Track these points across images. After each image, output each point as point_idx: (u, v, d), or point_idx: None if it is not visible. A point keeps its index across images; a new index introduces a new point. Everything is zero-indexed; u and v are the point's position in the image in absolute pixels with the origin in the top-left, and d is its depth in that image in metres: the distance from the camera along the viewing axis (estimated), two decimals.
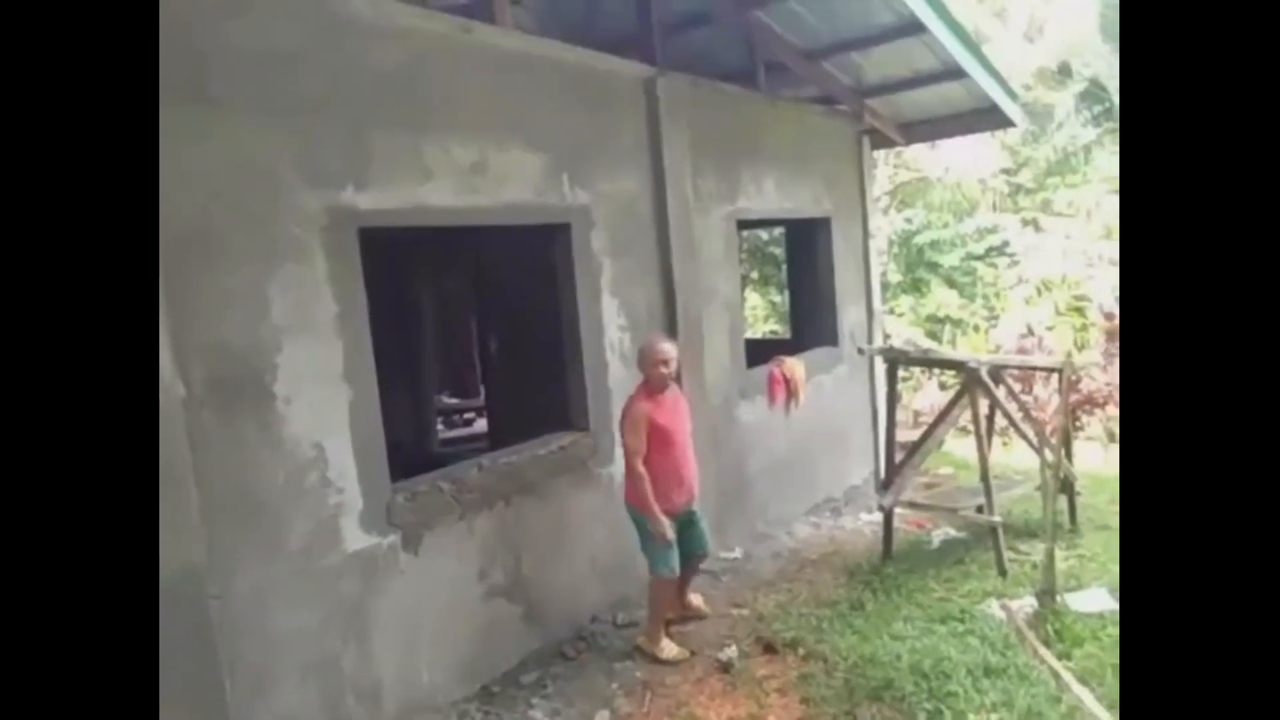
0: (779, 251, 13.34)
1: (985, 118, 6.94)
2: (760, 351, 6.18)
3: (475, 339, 10.75)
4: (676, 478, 3.80)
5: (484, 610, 3.80)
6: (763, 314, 13.56)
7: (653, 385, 3.79)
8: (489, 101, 3.80)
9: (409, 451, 5.22)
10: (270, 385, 2.97)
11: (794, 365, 6.02)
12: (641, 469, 3.69)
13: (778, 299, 13.75)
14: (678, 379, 3.96)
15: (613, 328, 4.52)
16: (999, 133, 10.81)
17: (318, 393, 3.11)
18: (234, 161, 2.86)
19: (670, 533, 3.73)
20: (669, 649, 3.89)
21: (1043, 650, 3.55)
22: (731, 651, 3.83)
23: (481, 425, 9.08)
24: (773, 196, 5.91)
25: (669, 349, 3.80)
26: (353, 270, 3.22)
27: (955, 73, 6.10)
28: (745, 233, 10.24)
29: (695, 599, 4.35)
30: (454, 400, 10.09)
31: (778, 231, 12.09)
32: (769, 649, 3.87)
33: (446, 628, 3.60)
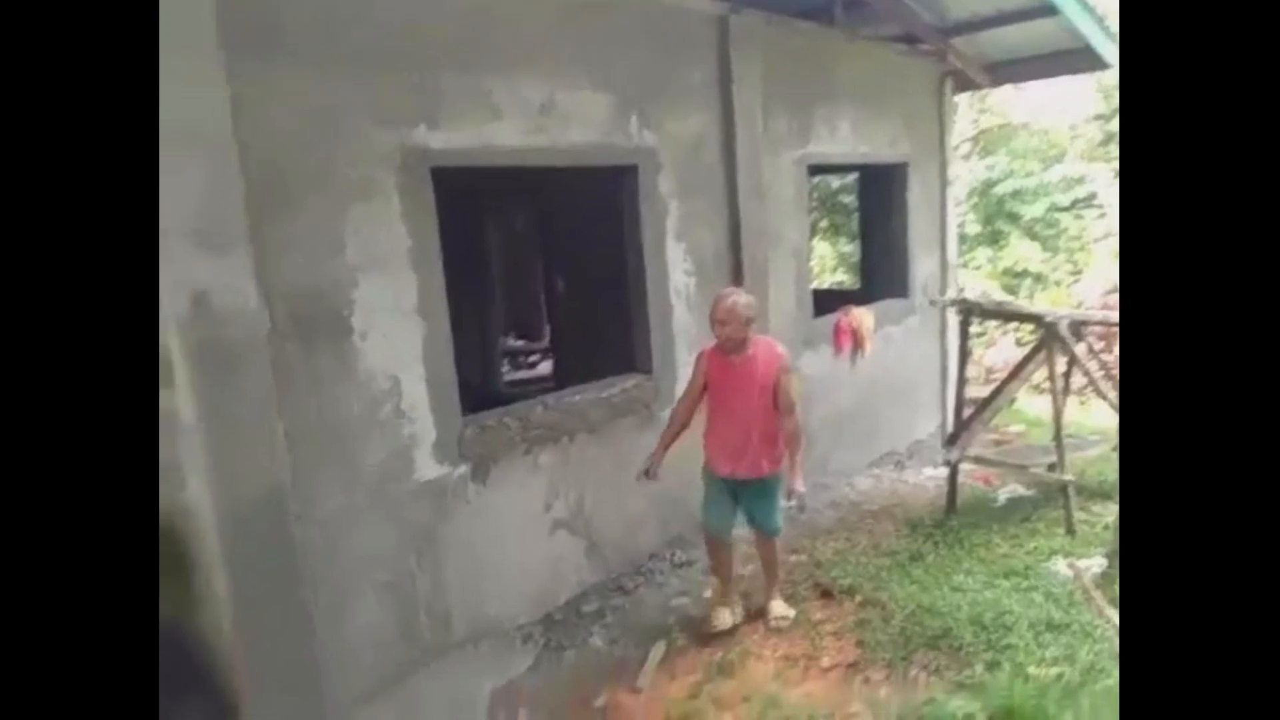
0: (849, 200, 12.96)
1: (1078, 58, 6.49)
2: (827, 301, 6.08)
3: (541, 282, 10.90)
4: (721, 442, 3.53)
5: (548, 542, 3.93)
6: (830, 264, 13.27)
7: (720, 342, 3.45)
8: (559, 40, 3.76)
9: (476, 390, 5.36)
10: (348, 319, 3.09)
11: (862, 315, 5.91)
12: (674, 411, 3.71)
13: (846, 249, 13.42)
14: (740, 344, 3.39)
15: (678, 272, 4.50)
16: (1092, 75, 10.13)
17: (392, 327, 3.22)
18: (311, 105, 2.92)
19: (650, 468, 3.57)
20: (715, 618, 3.63)
21: (1109, 610, 3.48)
22: (786, 596, 3.88)
23: (545, 368, 9.26)
24: (847, 140, 5.72)
25: (728, 306, 3.33)
26: (425, 208, 3.28)
27: (1046, 9, 5.72)
28: (815, 179, 9.96)
29: (776, 605, 3.72)
30: (519, 342, 10.28)
31: (849, 179, 11.73)
32: (825, 594, 3.90)
33: (512, 556, 3.75)
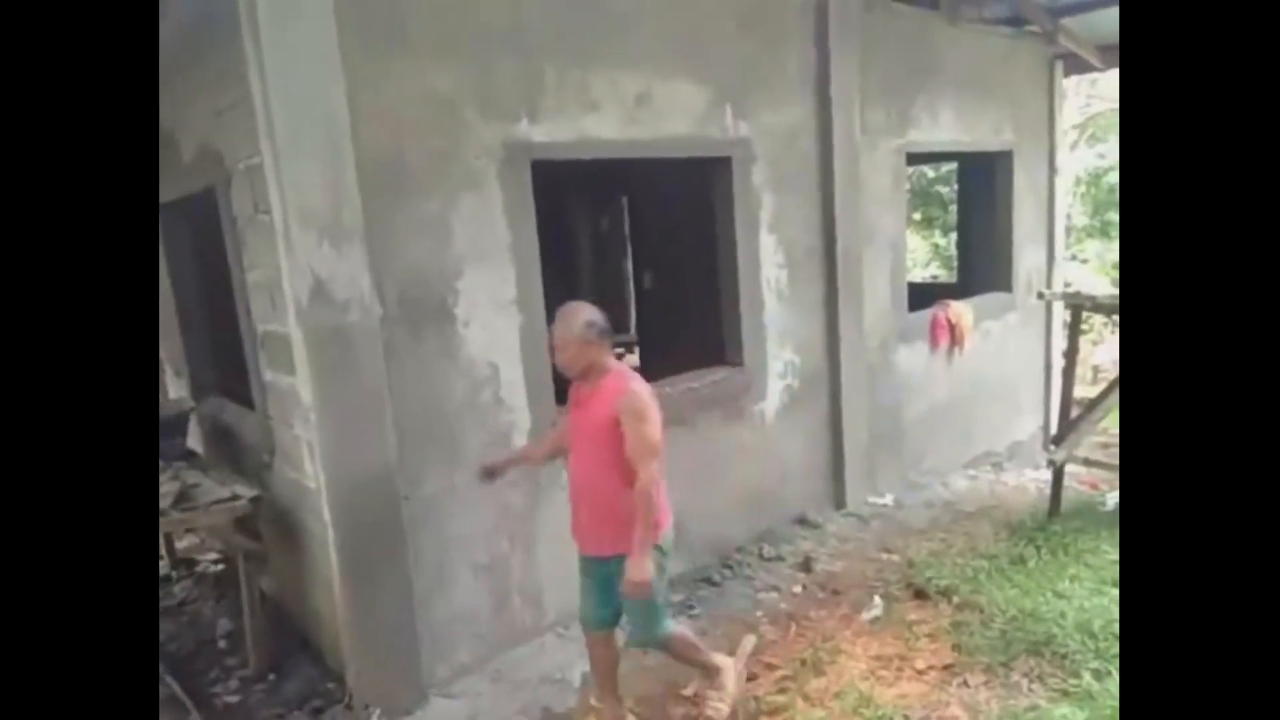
0: (945, 191, 12.49)
1: None
2: (923, 295, 5.89)
3: (626, 276, 10.99)
4: (571, 504, 2.80)
5: None
6: (923, 258, 12.84)
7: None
8: (657, 31, 3.78)
9: (564, 380, 5.45)
10: (452, 308, 3.21)
11: (960, 310, 5.70)
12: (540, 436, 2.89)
13: (941, 241, 12.96)
14: (578, 371, 2.64)
15: (770, 265, 4.46)
16: None
17: (492, 317, 3.32)
18: (422, 97, 3.04)
19: (489, 468, 2.91)
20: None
21: None
22: (878, 596, 3.80)
23: (630, 360, 9.34)
24: (948, 128, 5.52)
25: (556, 329, 2.62)
26: (525, 201, 3.37)
27: None
28: (910, 169, 9.65)
29: (711, 698, 2.97)
30: None
31: (945, 169, 11.31)
32: (919, 595, 3.80)
33: None
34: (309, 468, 3.17)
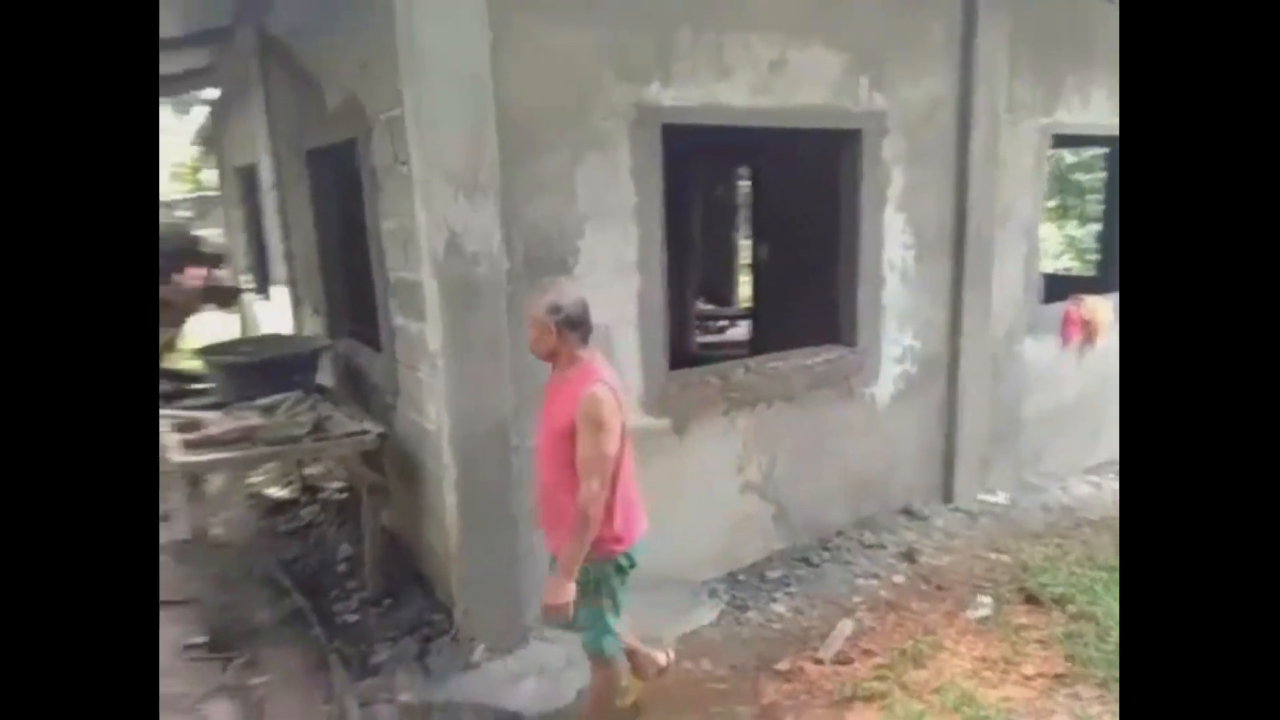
0: (1084, 179, 11.68)
1: None
2: (1057, 287, 5.54)
3: (735, 247, 10.88)
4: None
5: (737, 502, 3.97)
6: (1055, 248, 12.06)
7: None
8: None
9: (671, 349, 5.47)
10: (572, 267, 3.25)
11: (1096, 306, 5.32)
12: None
13: (1076, 233, 12.15)
14: (557, 354, 2.48)
15: (895, 244, 4.29)
16: None
17: (611, 278, 3.35)
18: (560, 55, 3.07)
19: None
20: None
21: None
22: (987, 596, 3.66)
23: (733, 333, 9.28)
24: (1101, 109, 5.11)
25: (529, 305, 2.51)
26: (654, 164, 3.36)
27: None
28: (1049, 152, 9.04)
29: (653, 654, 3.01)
30: (709, 306, 10.36)
31: (1086, 154, 10.55)
32: (1031, 600, 3.62)
33: (702, 511, 3.82)
34: (431, 410, 3.32)
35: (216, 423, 3.33)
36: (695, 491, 3.78)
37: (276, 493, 5.01)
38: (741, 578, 3.92)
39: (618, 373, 3.42)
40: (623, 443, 2.47)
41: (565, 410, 2.40)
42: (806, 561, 4.08)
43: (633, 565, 2.60)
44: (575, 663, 3.25)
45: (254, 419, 3.35)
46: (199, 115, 9.90)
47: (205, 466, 3.07)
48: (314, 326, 5.29)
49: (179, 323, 6.26)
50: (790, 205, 5.73)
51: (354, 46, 3.48)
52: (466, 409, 3.05)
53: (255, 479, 5.07)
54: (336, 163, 4.42)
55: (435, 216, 2.84)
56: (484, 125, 2.85)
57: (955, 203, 4.46)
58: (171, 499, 3.56)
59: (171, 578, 3.90)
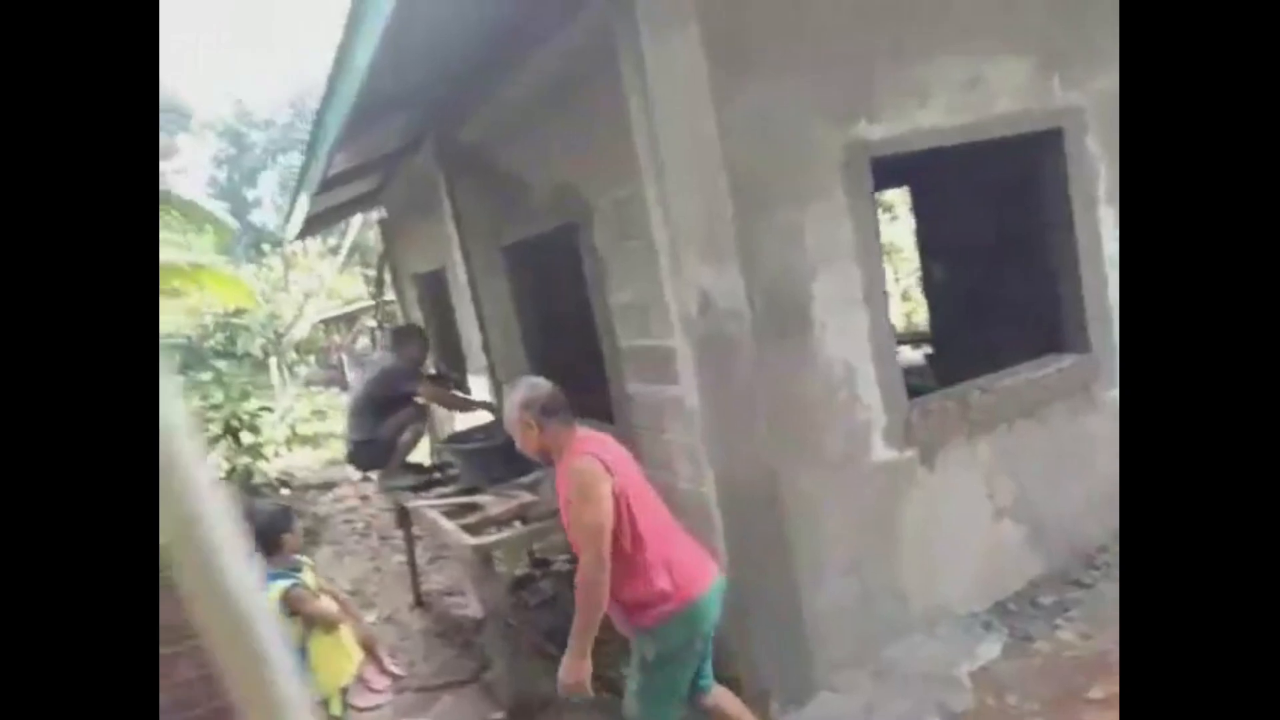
0: None
1: None
2: None
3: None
4: None
5: (992, 529, 3.81)
6: None
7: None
8: (976, 6, 3.66)
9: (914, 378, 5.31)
10: (809, 310, 3.31)
11: None
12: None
13: None
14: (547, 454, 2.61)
15: (1112, 240, 4.09)
16: None
17: (844, 317, 3.38)
18: (774, 109, 3.20)
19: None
20: None
21: None
22: None
23: (907, 355, 9.00)
24: None
25: (511, 408, 2.60)
26: (866, 201, 3.40)
27: None
28: None
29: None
30: None
31: None
32: None
33: (960, 542, 3.69)
34: (684, 469, 3.42)
35: (492, 504, 3.56)
36: (951, 522, 3.66)
37: (513, 569, 5.26)
38: (1012, 607, 3.73)
39: (860, 408, 3.43)
40: (626, 502, 2.41)
41: (563, 497, 2.45)
42: (1078, 583, 3.84)
43: (703, 619, 2.51)
44: (874, 709, 3.19)
45: (525, 496, 3.56)
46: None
47: (493, 546, 3.27)
48: None
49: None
50: (964, 219, 5.61)
51: (569, 138, 3.75)
52: (730, 463, 3.11)
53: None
54: (539, 253, 4.73)
55: (685, 282, 2.98)
56: (719, 189, 2.99)
57: None
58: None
59: (456, 657, 4.14)
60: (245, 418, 6.84)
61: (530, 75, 3.97)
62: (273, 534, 2.75)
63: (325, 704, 2.78)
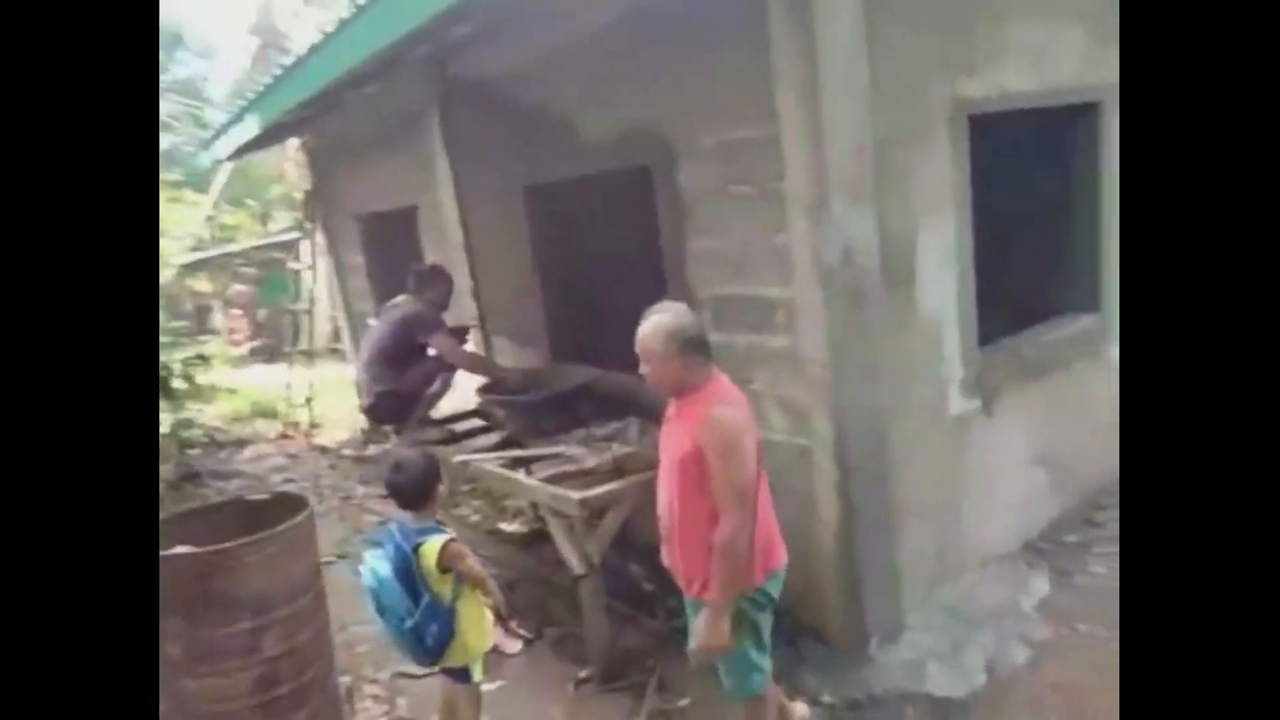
0: None
1: None
2: None
3: None
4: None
5: (1027, 473, 4.10)
6: None
7: None
8: None
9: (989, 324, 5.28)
10: (913, 264, 3.35)
11: None
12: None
13: None
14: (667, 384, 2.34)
15: None
16: None
17: (939, 272, 3.46)
18: (898, 61, 3.16)
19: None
20: None
21: None
22: None
23: None
24: None
25: (638, 338, 2.30)
26: (963, 157, 3.47)
27: None
28: None
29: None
30: None
31: None
32: None
33: (1004, 486, 3.94)
34: (778, 421, 3.41)
35: (578, 458, 3.38)
36: (1001, 467, 3.90)
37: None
38: (1043, 545, 4.05)
39: (944, 363, 3.54)
40: (759, 457, 2.30)
41: (687, 440, 2.23)
42: (1090, 522, 4.22)
43: (771, 601, 2.42)
44: (961, 646, 3.37)
45: (617, 448, 3.41)
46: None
47: (605, 499, 3.12)
48: (516, 358, 5.34)
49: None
50: (1003, 190, 5.79)
51: (648, 81, 3.54)
52: (847, 415, 3.12)
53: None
54: (576, 195, 4.47)
55: (829, 232, 2.92)
56: (865, 139, 2.94)
57: None
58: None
59: (538, 614, 3.90)
60: (175, 367, 6.08)
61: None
62: (428, 486, 2.47)
63: (467, 670, 2.58)
